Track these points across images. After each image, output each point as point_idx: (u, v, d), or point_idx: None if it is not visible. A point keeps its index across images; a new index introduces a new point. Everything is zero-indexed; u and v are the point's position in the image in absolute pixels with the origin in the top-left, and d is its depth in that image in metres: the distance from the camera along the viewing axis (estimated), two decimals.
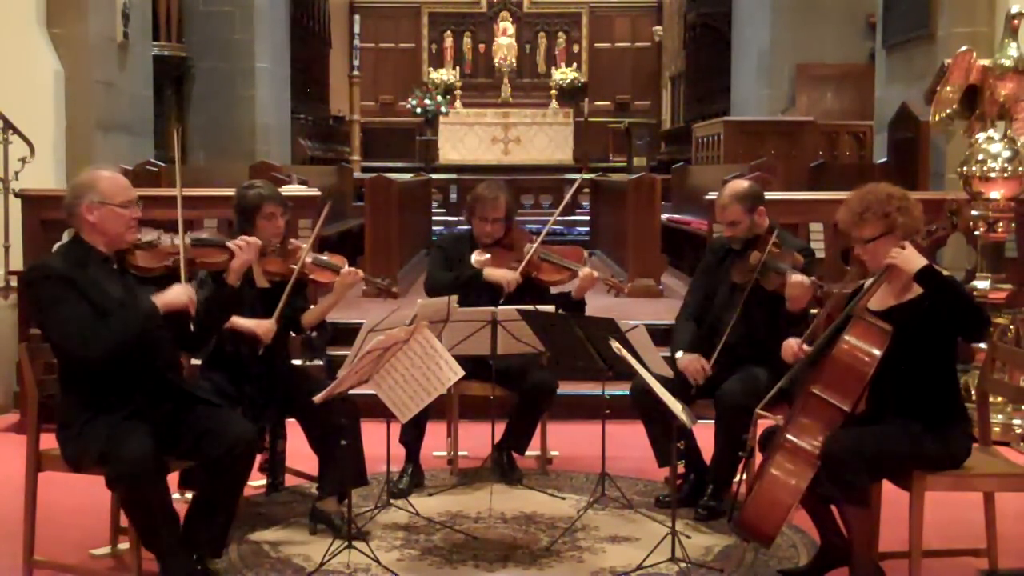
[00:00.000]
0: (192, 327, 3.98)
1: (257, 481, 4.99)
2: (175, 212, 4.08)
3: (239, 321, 4.46)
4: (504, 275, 5.18)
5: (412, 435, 5.10)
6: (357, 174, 13.76)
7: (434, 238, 12.31)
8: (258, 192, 4.70)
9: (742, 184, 4.98)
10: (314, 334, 5.57)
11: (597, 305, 7.19)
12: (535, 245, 5.26)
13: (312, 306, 5.02)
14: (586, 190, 14.38)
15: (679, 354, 4.87)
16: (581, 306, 5.25)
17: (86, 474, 3.93)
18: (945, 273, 3.89)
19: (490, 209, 5.27)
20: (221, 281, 4.19)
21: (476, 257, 5.29)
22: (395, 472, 5.06)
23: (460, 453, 5.51)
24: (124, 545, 4.18)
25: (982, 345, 5.95)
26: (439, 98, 20.16)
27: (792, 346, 4.05)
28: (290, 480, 5.11)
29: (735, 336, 4.78)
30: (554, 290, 5.34)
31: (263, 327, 4.53)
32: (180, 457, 4.04)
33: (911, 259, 3.79)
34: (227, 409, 4.11)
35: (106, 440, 3.74)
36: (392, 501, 4.86)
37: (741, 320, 4.76)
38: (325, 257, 4.81)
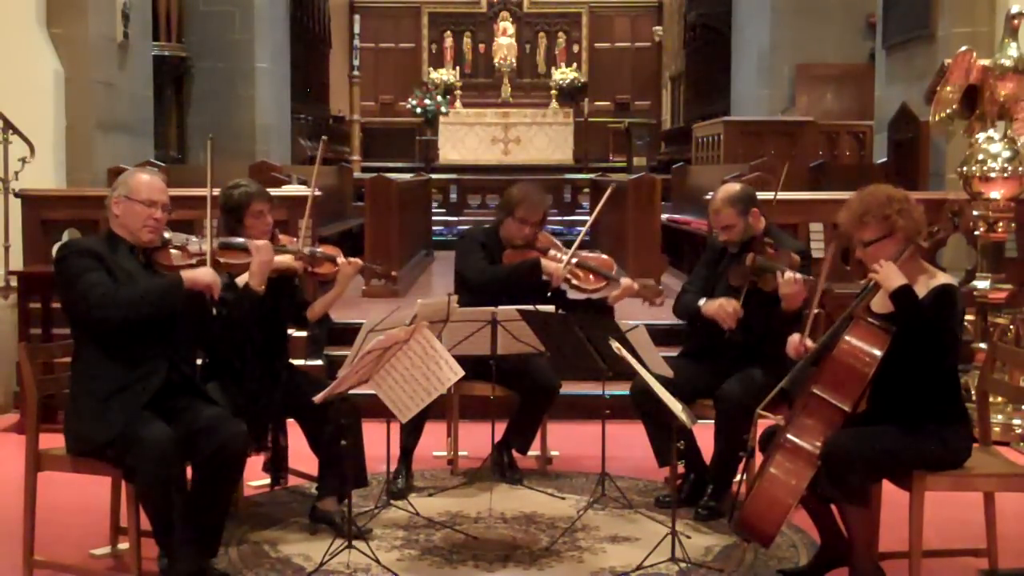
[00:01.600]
0: (213, 311, 4.07)
1: (258, 481, 4.99)
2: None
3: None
4: (556, 266, 5.15)
5: (413, 437, 5.09)
6: (357, 174, 13.77)
7: (435, 238, 12.31)
8: (244, 190, 4.68)
9: (734, 187, 4.97)
10: (316, 329, 5.58)
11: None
12: (569, 255, 5.20)
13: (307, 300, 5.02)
14: (586, 190, 14.37)
15: (702, 301, 4.85)
16: (611, 312, 5.19)
17: (85, 472, 3.94)
18: (945, 279, 3.88)
19: (535, 213, 5.25)
20: (245, 285, 4.26)
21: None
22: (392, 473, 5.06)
23: (460, 453, 5.51)
24: (124, 545, 4.18)
25: (982, 345, 5.97)
26: (439, 98, 20.16)
27: (795, 341, 4.05)
28: (290, 480, 5.11)
29: (734, 337, 4.78)
30: (574, 295, 5.29)
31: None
32: None
33: (891, 276, 3.79)
34: (222, 409, 4.12)
35: (124, 425, 3.76)
36: (392, 501, 4.86)
37: (739, 322, 4.76)
38: (319, 249, 4.79)
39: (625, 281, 5.17)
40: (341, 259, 4.71)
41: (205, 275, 3.98)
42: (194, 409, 3.97)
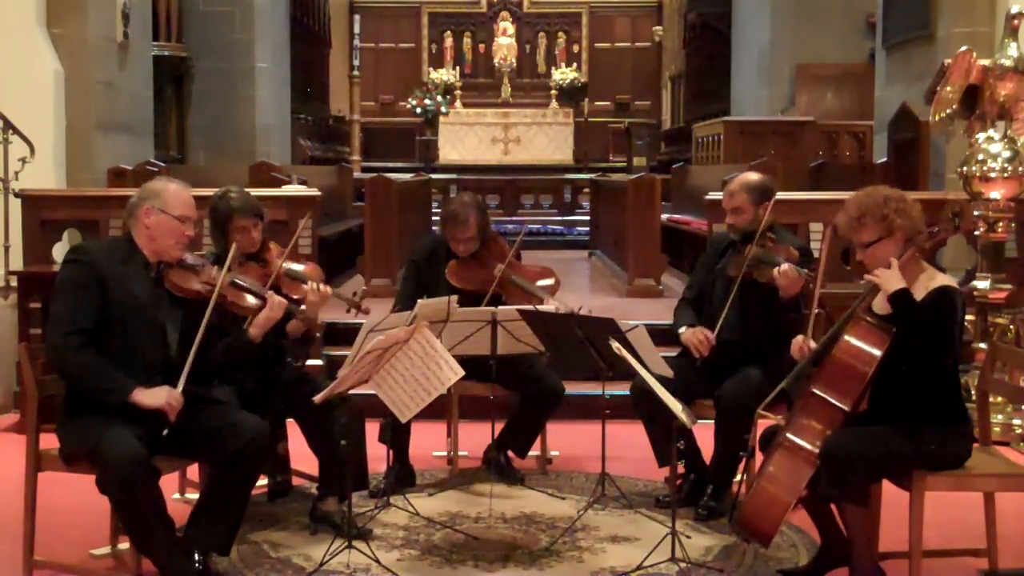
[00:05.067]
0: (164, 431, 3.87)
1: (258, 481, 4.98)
2: None
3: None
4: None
5: (391, 435, 5.03)
6: (357, 174, 13.76)
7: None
8: (228, 204, 4.62)
9: (754, 176, 5.01)
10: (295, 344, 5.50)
11: (596, 305, 7.19)
12: (503, 265, 5.16)
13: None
14: (586, 190, 14.38)
15: (681, 329, 4.89)
16: None
17: (82, 473, 3.93)
18: (946, 280, 3.88)
19: (460, 230, 5.21)
20: (243, 329, 4.24)
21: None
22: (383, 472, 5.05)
23: (460, 453, 5.51)
24: (124, 545, 4.17)
25: (982, 345, 5.97)
26: (439, 98, 20.19)
27: (799, 342, 4.05)
28: (290, 480, 5.10)
29: (732, 332, 4.79)
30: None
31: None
32: (187, 456, 4.05)
33: (890, 279, 3.80)
34: (237, 408, 4.12)
35: (97, 440, 3.74)
36: (392, 501, 4.86)
37: (737, 315, 4.77)
38: (298, 267, 4.67)
39: (550, 304, 5.09)
40: (313, 287, 4.52)
41: (156, 400, 3.80)
42: (202, 411, 3.97)
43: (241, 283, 4.28)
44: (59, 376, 3.92)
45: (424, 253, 5.43)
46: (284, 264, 4.60)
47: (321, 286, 4.56)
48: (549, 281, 5.34)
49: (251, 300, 4.26)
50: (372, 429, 4.70)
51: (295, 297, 4.53)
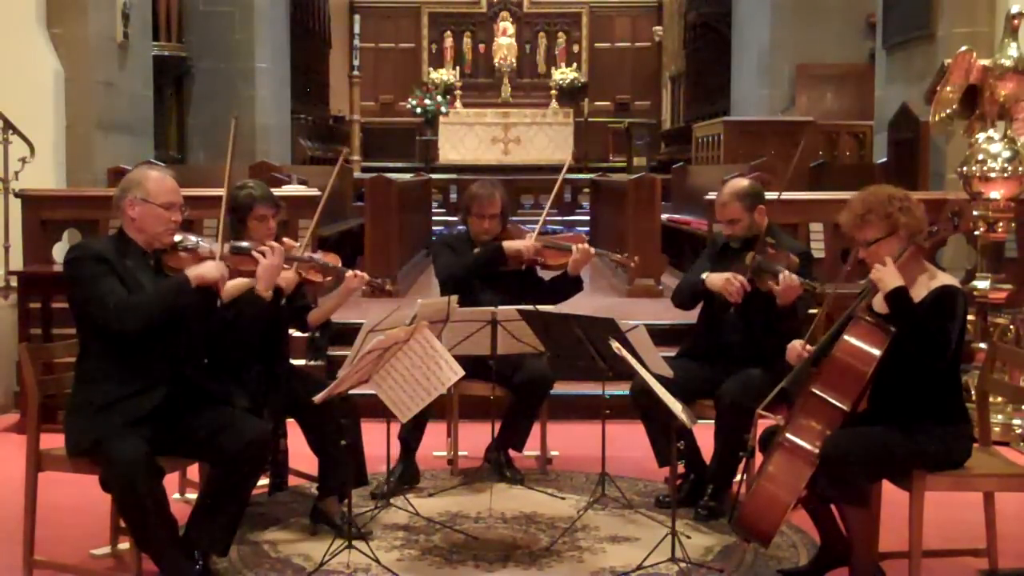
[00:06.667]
0: (218, 303, 4.03)
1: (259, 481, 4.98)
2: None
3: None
4: (522, 243, 5.25)
5: (412, 433, 5.08)
6: (357, 174, 13.76)
7: (433, 238, 12.31)
8: (249, 193, 4.67)
9: (742, 182, 4.99)
10: (317, 333, 5.54)
11: (597, 305, 7.22)
12: (534, 233, 5.30)
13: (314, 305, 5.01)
14: (586, 190, 14.38)
15: (705, 274, 4.86)
16: (578, 283, 5.30)
17: (84, 472, 3.94)
18: (947, 279, 3.88)
19: (487, 206, 5.28)
20: (251, 290, 4.24)
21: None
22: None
23: (460, 453, 5.51)
24: (124, 545, 4.18)
25: (982, 345, 5.97)
26: (439, 98, 20.19)
27: (796, 348, 4.05)
28: (290, 480, 5.10)
29: (733, 334, 4.79)
30: (550, 274, 5.37)
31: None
32: (188, 456, 4.05)
33: (887, 278, 3.80)
34: (240, 408, 4.12)
35: (101, 437, 3.75)
36: (392, 501, 4.86)
37: (738, 318, 4.77)
38: (319, 257, 4.76)
39: (579, 247, 5.24)
40: (349, 273, 4.69)
41: (211, 270, 3.93)
42: (206, 410, 3.97)
43: (238, 247, 4.28)
44: (136, 332, 3.82)
45: (452, 238, 5.63)
46: (306, 253, 4.65)
47: (357, 273, 4.72)
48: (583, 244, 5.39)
49: (254, 261, 4.25)
50: (370, 429, 4.69)
51: (317, 281, 4.65)
